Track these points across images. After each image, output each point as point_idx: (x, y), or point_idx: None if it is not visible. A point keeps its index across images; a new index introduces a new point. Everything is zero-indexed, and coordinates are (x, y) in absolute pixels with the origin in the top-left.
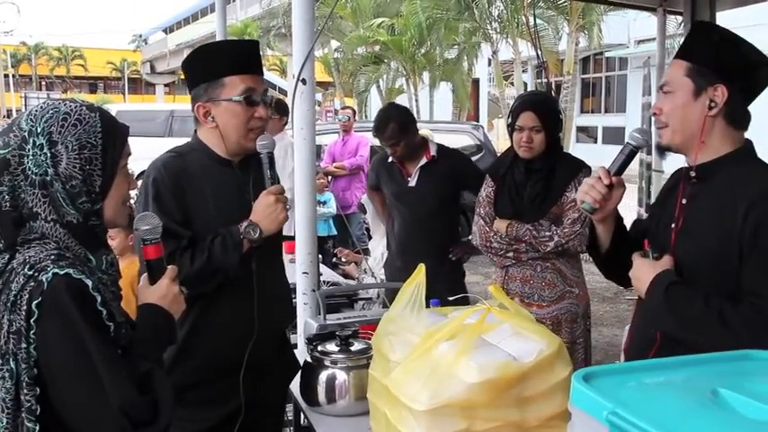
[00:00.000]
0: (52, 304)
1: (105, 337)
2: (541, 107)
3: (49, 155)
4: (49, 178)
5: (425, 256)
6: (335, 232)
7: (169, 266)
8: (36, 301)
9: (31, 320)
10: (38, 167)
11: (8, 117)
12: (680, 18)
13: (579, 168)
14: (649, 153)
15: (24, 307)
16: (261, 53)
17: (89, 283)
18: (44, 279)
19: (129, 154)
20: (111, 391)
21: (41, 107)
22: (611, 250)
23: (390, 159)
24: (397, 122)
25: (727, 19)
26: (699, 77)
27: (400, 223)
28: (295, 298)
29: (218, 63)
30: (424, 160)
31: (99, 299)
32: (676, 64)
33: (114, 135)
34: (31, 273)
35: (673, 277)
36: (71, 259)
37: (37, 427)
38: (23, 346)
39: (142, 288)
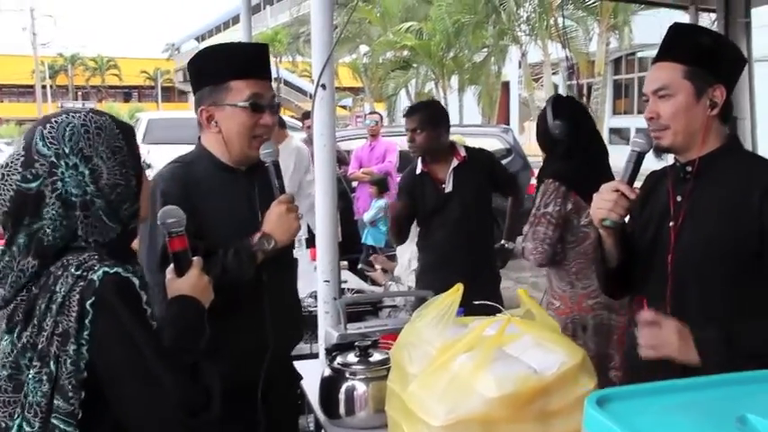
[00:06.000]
0: (105, 303)
1: (155, 333)
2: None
3: (87, 172)
4: (89, 197)
5: (467, 264)
6: (383, 244)
7: (194, 257)
8: (90, 301)
9: (86, 321)
10: (77, 188)
11: None
12: (713, 16)
13: None
14: None
15: (75, 307)
16: (273, 58)
17: (136, 281)
18: (95, 278)
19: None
20: (169, 386)
21: (52, 128)
22: (620, 258)
23: (419, 171)
24: (428, 112)
25: (762, 15)
26: (697, 79)
27: (441, 233)
28: (314, 307)
29: (225, 66)
30: (455, 162)
31: (144, 297)
32: (669, 67)
33: (127, 132)
34: (79, 272)
35: (713, 328)
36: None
37: None
38: (72, 347)
39: (171, 281)
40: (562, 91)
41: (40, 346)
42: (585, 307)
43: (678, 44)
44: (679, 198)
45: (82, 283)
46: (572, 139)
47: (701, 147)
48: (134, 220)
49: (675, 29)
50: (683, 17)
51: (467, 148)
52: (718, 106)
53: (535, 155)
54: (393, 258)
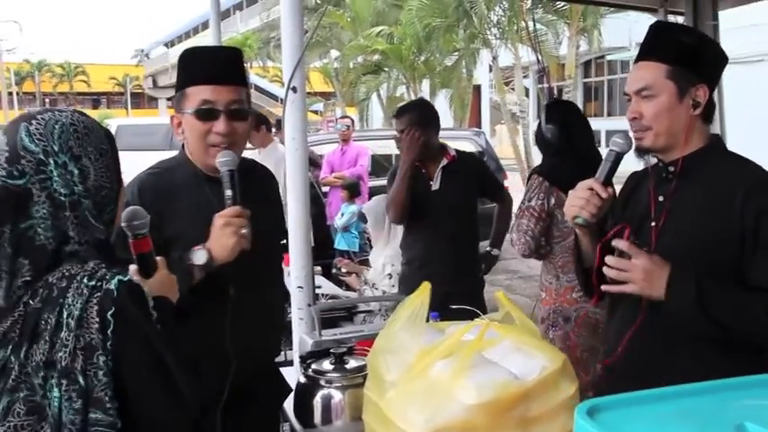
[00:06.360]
0: (124, 312)
1: (165, 335)
2: None
3: (76, 172)
4: (76, 197)
5: (449, 266)
6: (357, 248)
7: (158, 257)
8: (110, 312)
9: (108, 331)
10: (66, 188)
11: None
12: (681, 18)
13: None
14: None
15: (96, 319)
16: (245, 63)
17: (145, 288)
18: (113, 287)
19: None
20: (185, 386)
21: (39, 124)
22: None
23: None
24: (417, 112)
25: (728, 18)
26: (680, 79)
27: (424, 231)
28: (288, 314)
29: (185, 72)
30: (444, 161)
31: (152, 303)
32: (652, 66)
33: (109, 135)
34: (92, 283)
35: (692, 271)
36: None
37: None
38: (101, 359)
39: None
40: (533, 94)
41: (63, 363)
42: (569, 299)
43: (661, 43)
44: (661, 198)
45: (98, 294)
46: (562, 141)
47: (683, 147)
48: (112, 226)
49: (658, 27)
50: (652, 20)
51: (457, 152)
52: (701, 106)
53: (507, 157)
54: (366, 263)
